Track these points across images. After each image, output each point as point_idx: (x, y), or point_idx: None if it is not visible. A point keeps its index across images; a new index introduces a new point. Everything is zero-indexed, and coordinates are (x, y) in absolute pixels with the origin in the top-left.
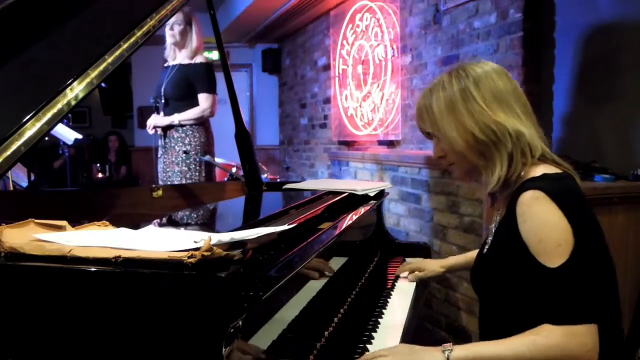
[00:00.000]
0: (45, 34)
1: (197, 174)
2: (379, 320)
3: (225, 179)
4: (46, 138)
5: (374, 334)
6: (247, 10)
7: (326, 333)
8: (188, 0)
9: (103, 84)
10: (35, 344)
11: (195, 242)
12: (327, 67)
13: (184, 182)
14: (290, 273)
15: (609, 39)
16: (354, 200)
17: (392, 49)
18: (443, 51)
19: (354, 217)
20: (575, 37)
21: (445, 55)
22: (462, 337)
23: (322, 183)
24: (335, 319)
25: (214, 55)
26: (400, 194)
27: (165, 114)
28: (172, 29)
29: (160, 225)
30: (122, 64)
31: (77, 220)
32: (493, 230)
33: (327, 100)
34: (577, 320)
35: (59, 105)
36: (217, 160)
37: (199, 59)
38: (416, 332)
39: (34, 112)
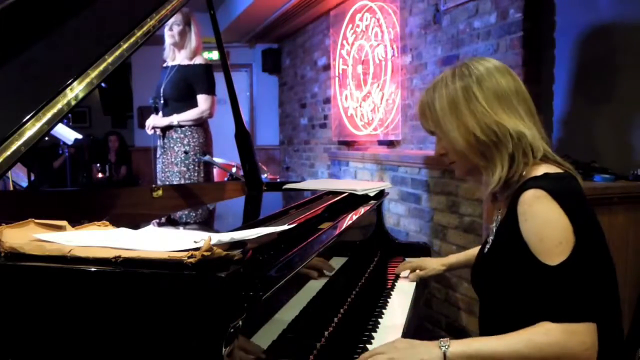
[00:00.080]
0: (45, 34)
1: (196, 174)
2: (379, 320)
3: (225, 179)
4: (46, 138)
5: (374, 334)
6: (247, 10)
7: (326, 333)
8: (188, 0)
9: (103, 84)
10: (35, 344)
11: (195, 242)
12: (327, 67)
13: (183, 182)
14: (290, 273)
15: (609, 39)
16: (354, 200)
17: (392, 49)
18: (443, 51)
19: (354, 217)
20: (575, 37)
21: (445, 55)
22: (462, 337)
23: (322, 183)
24: (335, 319)
25: (214, 55)
26: (400, 194)
27: (164, 115)
28: (171, 29)
29: (160, 225)
30: (122, 64)
31: (77, 220)
32: (494, 230)
33: (327, 100)
34: (577, 318)
35: (59, 105)
36: (217, 160)
37: (198, 60)
38: (416, 332)
39: (34, 112)
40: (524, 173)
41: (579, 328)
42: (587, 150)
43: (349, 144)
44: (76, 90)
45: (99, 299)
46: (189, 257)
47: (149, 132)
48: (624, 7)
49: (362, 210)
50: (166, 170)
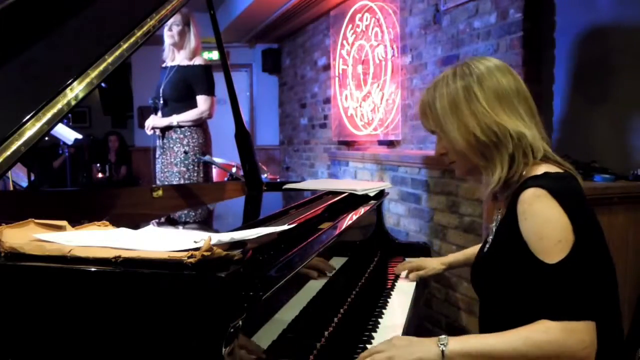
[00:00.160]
0: (45, 34)
1: (195, 174)
2: (379, 320)
3: (225, 179)
4: (46, 138)
5: (374, 334)
6: (247, 10)
7: (326, 333)
8: (188, 0)
9: (103, 84)
10: (35, 344)
11: (195, 242)
12: (327, 67)
13: (182, 182)
14: (290, 273)
15: (609, 39)
16: (354, 200)
17: (392, 49)
18: (443, 51)
19: (354, 217)
20: (575, 37)
21: (445, 55)
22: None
23: (322, 183)
24: (335, 319)
25: (214, 55)
26: (400, 194)
27: (164, 115)
28: (170, 29)
29: (160, 225)
30: (122, 64)
31: (77, 220)
32: (494, 230)
33: (327, 100)
34: (576, 316)
35: (59, 105)
36: (217, 160)
37: (197, 61)
38: (416, 332)
39: (34, 112)
40: (524, 173)
41: (577, 326)
42: (587, 150)
43: (349, 144)
44: (76, 90)
45: (99, 299)
46: (189, 257)
47: (149, 132)
48: (624, 7)
49: (362, 210)
50: (165, 170)
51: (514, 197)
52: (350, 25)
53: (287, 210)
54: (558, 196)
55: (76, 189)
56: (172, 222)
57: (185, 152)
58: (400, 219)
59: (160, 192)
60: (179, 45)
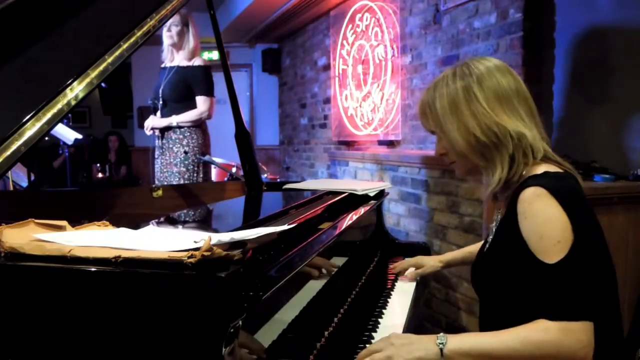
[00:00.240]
0: (45, 34)
1: (195, 174)
2: (379, 320)
3: (225, 179)
4: (46, 138)
5: (374, 334)
6: (247, 10)
7: (326, 333)
8: (188, 0)
9: (103, 84)
10: (35, 344)
11: (195, 242)
12: (327, 67)
13: (182, 182)
14: (290, 273)
15: (609, 39)
16: (354, 200)
17: (392, 49)
18: (443, 51)
19: (354, 217)
20: (575, 37)
21: (445, 55)
22: None
23: (322, 183)
24: (335, 319)
25: (214, 55)
26: (400, 194)
27: (163, 116)
28: (169, 30)
29: (160, 225)
30: (122, 64)
31: (77, 220)
32: (494, 230)
33: (327, 100)
34: (574, 317)
35: (59, 105)
36: (217, 160)
37: (197, 62)
38: (416, 332)
39: (34, 112)
40: (524, 173)
41: (575, 326)
42: (587, 150)
43: (349, 144)
44: (76, 90)
45: (99, 299)
46: (189, 257)
47: (148, 132)
48: (624, 7)
49: (362, 210)
50: (165, 170)
51: (514, 196)
52: (350, 25)
53: (287, 210)
54: (558, 195)
55: (76, 189)
56: (172, 222)
57: (185, 153)
58: (400, 219)
59: (160, 192)
60: (178, 46)
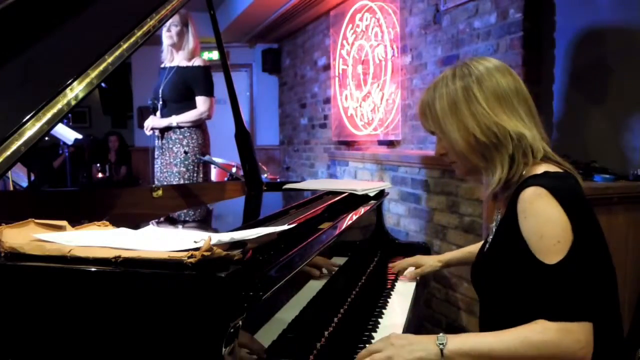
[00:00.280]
0: (45, 34)
1: (195, 174)
2: (379, 320)
3: (225, 179)
4: (46, 138)
5: (374, 334)
6: (247, 10)
7: (326, 333)
8: (188, 0)
9: (103, 84)
10: (35, 344)
11: (195, 242)
12: (327, 67)
13: (182, 183)
14: (290, 273)
15: (610, 39)
16: (354, 200)
17: (392, 49)
18: (443, 51)
19: (354, 217)
20: (575, 37)
21: (445, 55)
22: None
23: (322, 183)
24: (335, 319)
25: (214, 55)
26: (400, 194)
27: (163, 116)
28: (169, 30)
29: (160, 225)
30: (122, 64)
31: (77, 220)
32: (494, 229)
33: (327, 100)
34: (573, 317)
35: (59, 105)
36: (217, 160)
37: (197, 62)
38: (416, 332)
39: (34, 112)
40: (524, 173)
41: (574, 327)
42: (587, 150)
43: (349, 144)
44: (76, 90)
45: (99, 299)
46: (189, 257)
47: (148, 133)
48: (624, 7)
49: (362, 210)
50: (165, 170)
51: (514, 196)
52: (350, 25)
53: (287, 210)
54: (558, 195)
55: (76, 189)
56: (172, 222)
57: (185, 153)
58: (400, 219)
59: (160, 192)
60: (177, 46)
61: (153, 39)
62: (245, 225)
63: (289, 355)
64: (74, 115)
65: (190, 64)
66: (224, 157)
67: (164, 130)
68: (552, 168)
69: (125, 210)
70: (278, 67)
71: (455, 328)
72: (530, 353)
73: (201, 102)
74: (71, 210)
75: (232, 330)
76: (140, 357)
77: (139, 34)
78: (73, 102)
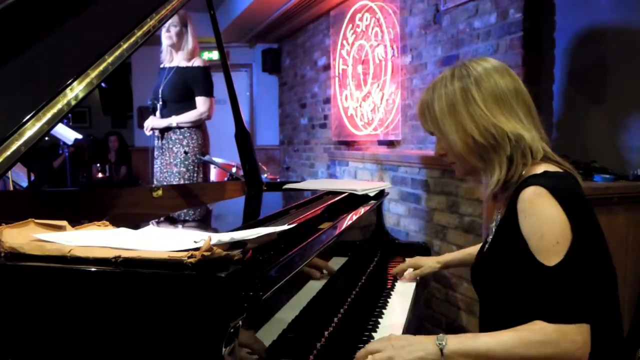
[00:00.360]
0: (45, 34)
1: (195, 175)
2: (379, 320)
3: (225, 179)
4: (46, 138)
5: (374, 334)
6: (247, 10)
7: (326, 333)
8: (188, 0)
9: (103, 84)
10: (35, 344)
11: (195, 242)
12: (327, 67)
13: (182, 183)
14: (290, 273)
15: (610, 39)
16: (354, 200)
17: (392, 49)
18: (443, 51)
19: (354, 217)
20: (575, 37)
21: (445, 55)
22: None
23: (322, 183)
24: (335, 319)
25: (214, 55)
26: (400, 194)
27: (163, 116)
28: (168, 30)
29: (160, 225)
30: (122, 64)
31: (77, 220)
32: (494, 229)
33: (327, 100)
34: (570, 319)
35: (59, 105)
36: (217, 160)
37: (196, 62)
38: (416, 332)
39: (34, 112)
40: (524, 173)
41: (570, 329)
42: (587, 150)
43: (348, 144)
44: (76, 90)
45: (99, 299)
46: (189, 257)
47: (148, 133)
48: (624, 8)
49: (362, 210)
50: (165, 171)
51: (514, 196)
52: (350, 25)
53: (287, 210)
54: (557, 195)
55: (76, 189)
56: (172, 222)
57: (185, 153)
58: (400, 219)
59: (160, 192)
60: (177, 47)
61: (153, 39)
62: (245, 225)
63: (289, 355)
64: (74, 115)
65: (189, 64)
66: (224, 157)
67: (164, 131)
68: (552, 168)
69: (125, 210)
70: (278, 67)
71: (455, 328)
72: (529, 353)
73: (201, 102)
74: (71, 210)
75: (232, 330)
76: (141, 357)
77: (139, 34)
78: (73, 102)
